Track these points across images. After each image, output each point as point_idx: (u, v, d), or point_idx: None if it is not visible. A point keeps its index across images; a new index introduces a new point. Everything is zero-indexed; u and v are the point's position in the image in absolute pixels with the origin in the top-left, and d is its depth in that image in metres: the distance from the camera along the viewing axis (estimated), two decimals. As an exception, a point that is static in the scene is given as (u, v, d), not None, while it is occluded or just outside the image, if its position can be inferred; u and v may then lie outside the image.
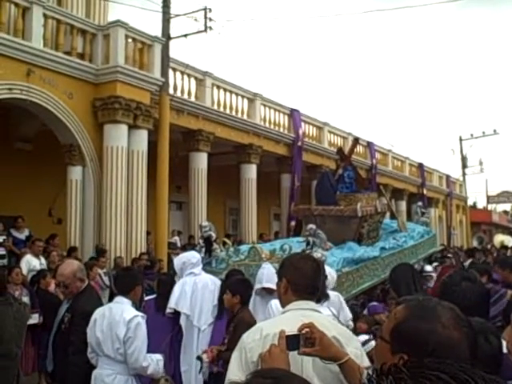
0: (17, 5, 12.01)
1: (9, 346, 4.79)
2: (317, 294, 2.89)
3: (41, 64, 12.09)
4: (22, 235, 11.27)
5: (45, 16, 12.48)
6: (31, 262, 9.56)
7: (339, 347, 2.55)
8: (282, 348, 2.31)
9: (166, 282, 6.89)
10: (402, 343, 1.75)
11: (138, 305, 6.13)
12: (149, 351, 4.75)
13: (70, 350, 4.66)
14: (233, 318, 5.11)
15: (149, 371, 4.69)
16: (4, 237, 10.83)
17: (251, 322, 4.32)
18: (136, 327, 4.60)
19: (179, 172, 15.94)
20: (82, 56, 13.24)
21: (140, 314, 4.81)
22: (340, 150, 12.19)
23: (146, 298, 7.00)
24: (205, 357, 5.10)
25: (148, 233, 14.25)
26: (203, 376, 5.54)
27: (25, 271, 9.17)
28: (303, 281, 2.81)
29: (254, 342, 2.62)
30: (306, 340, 2.43)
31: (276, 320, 2.92)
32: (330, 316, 4.02)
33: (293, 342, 2.38)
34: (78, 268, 4.82)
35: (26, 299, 7.42)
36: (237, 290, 5.15)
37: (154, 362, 4.76)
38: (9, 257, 10.16)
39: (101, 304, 5.04)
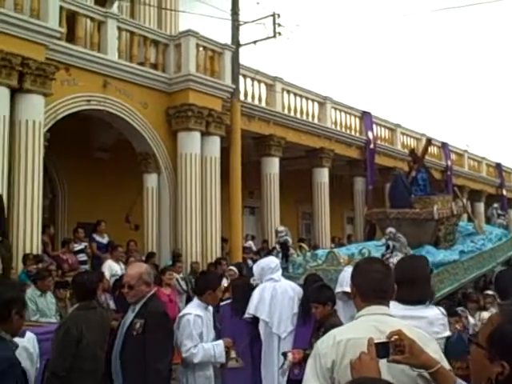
0: (92, 19, 12.43)
1: (94, 349, 4.90)
2: (388, 297, 2.83)
3: (116, 75, 12.46)
4: (104, 240, 11.60)
5: (119, 29, 12.87)
6: (113, 268, 9.82)
7: (429, 354, 2.48)
8: (373, 356, 2.27)
9: (240, 285, 6.94)
10: (499, 349, 1.68)
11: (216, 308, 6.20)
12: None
13: (149, 358, 4.37)
14: (321, 323, 5.08)
15: (196, 359, 5.10)
16: (86, 243, 11.23)
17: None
18: (183, 323, 5.11)
19: (251, 177, 16.04)
20: (155, 66, 13.56)
21: (195, 312, 5.15)
22: (413, 152, 11.93)
23: (222, 303, 7.05)
24: (290, 356, 5.10)
25: (224, 240, 14.37)
26: (282, 374, 5.56)
27: (107, 276, 9.44)
28: (369, 285, 2.78)
29: (328, 349, 2.62)
30: (395, 347, 2.38)
31: (349, 326, 2.89)
32: (439, 315, 3.89)
33: (382, 349, 2.34)
34: (145, 271, 4.62)
35: (111, 303, 7.60)
36: (326, 299, 5.16)
37: (202, 350, 5.12)
38: (91, 261, 10.55)
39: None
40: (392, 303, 2.87)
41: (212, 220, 13.66)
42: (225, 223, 14.17)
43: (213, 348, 5.25)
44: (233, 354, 5.65)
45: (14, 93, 10.30)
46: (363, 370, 2.20)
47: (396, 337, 2.39)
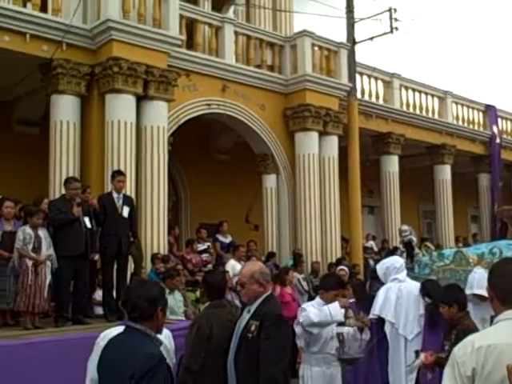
0: (210, 25, 12.75)
1: (219, 344, 4.94)
2: None
3: (234, 79, 12.70)
4: (227, 240, 11.84)
5: (235, 33, 13.11)
6: (235, 267, 9.98)
7: None
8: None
9: (361, 285, 6.86)
10: None
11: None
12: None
13: (263, 362, 4.11)
14: (453, 326, 4.87)
15: (312, 316, 5.18)
16: (208, 243, 11.51)
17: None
18: (302, 311, 5.30)
19: (370, 176, 15.80)
20: (271, 68, 13.69)
21: (311, 309, 5.23)
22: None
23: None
24: (422, 356, 4.92)
25: (344, 240, 14.24)
26: (410, 370, 5.39)
27: (230, 276, 9.61)
28: (506, 288, 2.60)
29: (466, 356, 2.48)
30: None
31: (487, 331, 2.72)
32: None
33: None
34: (258, 270, 4.43)
35: (237, 302, 7.72)
36: (453, 299, 4.94)
37: (316, 311, 5.24)
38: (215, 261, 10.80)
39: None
40: None
41: (331, 220, 13.59)
42: (344, 223, 14.03)
43: (327, 308, 5.20)
44: (350, 314, 5.60)
45: (140, 100, 10.76)
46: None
47: None
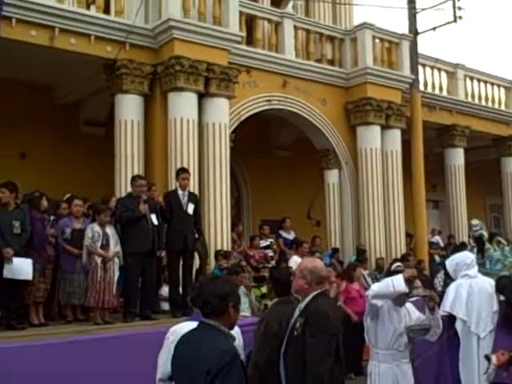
0: (270, 21, 12.72)
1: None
2: None
3: (294, 74, 12.64)
4: (290, 236, 11.81)
5: (295, 28, 13.03)
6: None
7: None
8: None
9: (427, 281, 6.69)
10: None
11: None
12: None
13: (308, 359, 4.05)
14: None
15: (375, 287, 5.16)
16: (271, 239, 11.51)
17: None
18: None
19: (434, 170, 15.46)
20: (331, 62, 13.55)
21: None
22: None
23: (412, 299, 6.85)
24: (494, 359, 4.75)
25: (409, 235, 13.97)
26: (487, 379, 5.20)
27: (294, 272, 9.57)
28: None
29: None
30: None
31: None
32: None
33: None
34: (310, 267, 4.33)
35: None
36: None
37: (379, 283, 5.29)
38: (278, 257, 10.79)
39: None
40: None
41: (395, 215, 13.36)
42: (408, 218, 13.77)
43: (390, 280, 5.07)
44: (418, 284, 5.46)
45: (201, 97, 10.84)
46: None
47: None
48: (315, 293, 4.27)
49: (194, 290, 4.40)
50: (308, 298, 4.27)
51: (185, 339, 3.20)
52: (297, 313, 4.31)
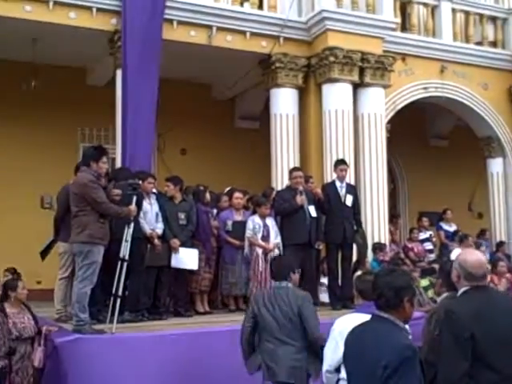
0: (425, 5, 12.24)
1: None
2: None
3: (453, 59, 12.05)
4: (451, 228, 11.34)
5: (453, 10, 12.42)
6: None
7: None
8: None
9: None
10: None
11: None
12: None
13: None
14: None
15: None
16: (430, 232, 11.12)
17: None
18: None
19: None
20: (493, 44, 12.77)
21: None
22: None
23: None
24: None
25: None
26: None
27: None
28: None
29: None
30: None
31: None
32: None
33: None
34: (460, 259, 3.93)
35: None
36: None
37: None
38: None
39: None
40: None
41: None
42: None
43: None
44: None
45: (356, 88, 10.68)
46: None
47: None
48: (465, 288, 3.86)
49: (362, 282, 4.34)
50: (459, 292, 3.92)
51: (358, 332, 3.13)
52: None
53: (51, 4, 9.06)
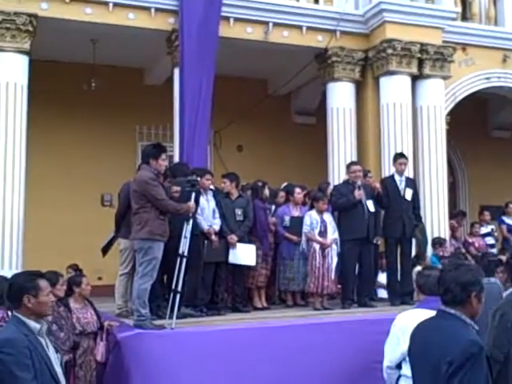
0: (489, -8, 11.91)
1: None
2: None
3: (515, 48, 11.68)
4: (516, 222, 11.04)
5: (516, -2, 12.01)
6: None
7: None
8: None
9: None
10: None
11: None
12: None
13: None
14: None
15: None
16: (492, 226, 10.84)
17: None
18: None
19: None
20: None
21: None
22: None
23: None
24: None
25: None
26: None
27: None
28: None
29: None
30: None
31: None
32: None
33: None
34: None
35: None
36: None
37: None
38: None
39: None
40: None
41: None
42: None
43: None
44: None
45: (414, 80, 10.50)
46: None
47: None
48: None
49: (422, 277, 4.26)
50: None
51: (423, 327, 3.08)
52: None
53: (111, 6, 9.26)
